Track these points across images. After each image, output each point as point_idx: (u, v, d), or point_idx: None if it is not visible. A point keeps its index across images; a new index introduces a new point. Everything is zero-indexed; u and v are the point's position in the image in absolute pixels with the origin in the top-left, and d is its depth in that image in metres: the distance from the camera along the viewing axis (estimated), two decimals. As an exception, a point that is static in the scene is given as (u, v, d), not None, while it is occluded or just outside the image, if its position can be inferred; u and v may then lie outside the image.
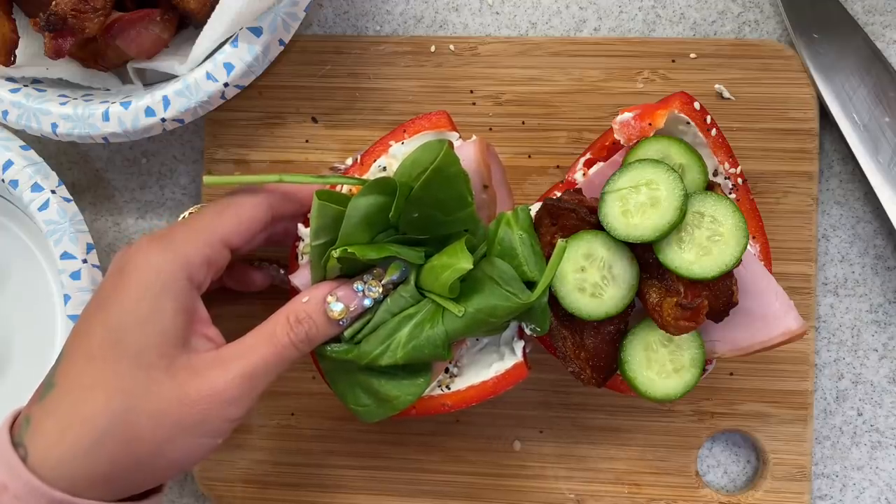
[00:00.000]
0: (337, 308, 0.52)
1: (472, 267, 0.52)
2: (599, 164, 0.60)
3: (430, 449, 0.68)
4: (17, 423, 0.50)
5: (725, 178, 0.59)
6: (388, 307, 0.54)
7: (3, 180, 0.64)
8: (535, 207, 0.58)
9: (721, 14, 0.68)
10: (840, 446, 0.68)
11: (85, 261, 0.64)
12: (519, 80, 0.67)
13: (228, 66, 0.62)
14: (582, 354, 0.56)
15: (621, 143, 0.57)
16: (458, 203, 0.53)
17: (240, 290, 0.65)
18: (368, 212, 0.53)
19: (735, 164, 0.59)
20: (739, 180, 0.59)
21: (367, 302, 0.53)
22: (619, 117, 0.57)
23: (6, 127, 0.66)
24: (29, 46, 0.65)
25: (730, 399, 0.66)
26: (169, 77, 0.65)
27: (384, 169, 0.58)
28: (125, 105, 0.63)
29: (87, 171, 0.73)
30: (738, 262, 0.53)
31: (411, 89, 0.68)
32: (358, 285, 0.53)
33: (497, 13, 0.69)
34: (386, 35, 0.70)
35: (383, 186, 0.52)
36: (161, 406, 0.49)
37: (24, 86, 0.66)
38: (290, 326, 0.52)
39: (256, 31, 0.62)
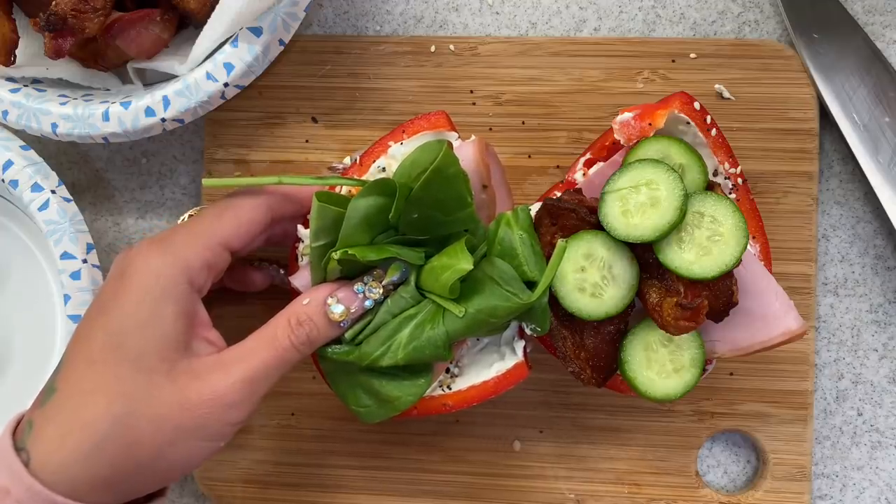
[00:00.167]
0: (338, 310, 0.52)
1: (472, 267, 0.52)
2: (599, 164, 0.60)
3: (430, 449, 0.68)
4: (19, 428, 0.50)
5: (725, 178, 0.59)
6: (389, 308, 0.54)
7: (3, 180, 0.64)
8: (535, 207, 0.58)
9: (721, 14, 0.68)
10: (840, 446, 0.68)
11: (85, 261, 0.64)
12: (519, 80, 0.67)
13: (228, 66, 0.62)
14: (582, 354, 0.56)
15: (621, 143, 0.57)
16: (458, 203, 0.53)
17: (240, 290, 0.65)
18: (368, 213, 0.53)
19: (735, 164, 0.59)
20: (739, 180, 0.59)
21: (367, 303, 0.53)
22: (619, 117, 0.57)
23: (6, 127, 0.66)
24: (29, 46, 0.65)
25: (730, 399, 0.66)
26: (169, 77, 0.65)
27: (383, 170, 0.58)
28: (125, 105, 0.63)
29: (87, 171, 0.73)
30: (738, 262, 0.53)
31: (411, 89, 0.68)
32: (358, 287, 0.53)
33: (497, 13, 0.69)
34: (386, 35, 0.70)
35: (383, 187, 0.52)
36: (162, 410, 0.49)
37: (24, 86, 0.66)
38: (290, 329, 0.52)
39: (256, 31, 0.62)
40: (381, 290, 0.53)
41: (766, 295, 0.56)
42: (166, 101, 0.62)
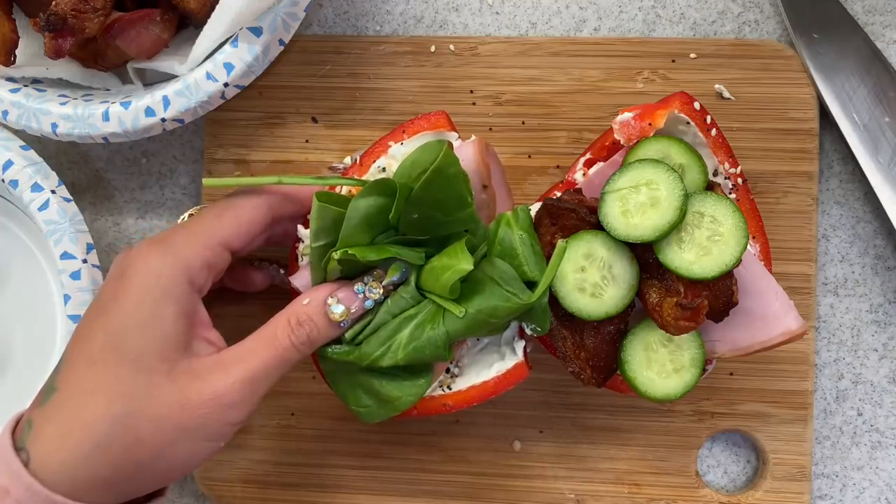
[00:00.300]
0: (338, 310, 0.52)
1: (472, 268, 0.52)
2: (599, 164, 0.60)
3: (430, 449, 0.68)
4: (19, 427, 0.50)
5: (725, 178, 0.59)
6: (389, 308, 0.54)
7: (3, 180, 0.64)
8: (535, 207, 0.58)
9: (721, 14, 0.68)
10: (840, 446, 0.68)
11: (85, 261, 0.64)
12: (519, 80, 0.67)
13: (228, 66, 0.62)
14: (582, 354, 0.56)
15: (621, 143, 0.57)
16: (458, 203, 0.53)
17: (240, 290, 0.65)
18: (368, 213, 0.53)
19: (735, 164, 0.59)
20: (739, 180, 0.59)
21: (367, 303, 0.53)
22: (619, 117, 0.57)
23: (6, 127, 0.66)
24: (29, 46, 0.65)
25: (730, 399, 0.66)
26: (169, 77, 0.65)
27: (383, 170, 0.58)
28: (125, 105, 0.63)
29: (87, 171, 0.73)
30: (738, 262, 0.53)
31: (411, 89, 0.68)
32: (358, 287, 0.53)
33: (497, 13, 0.69)
34: (386, 35, 0.70)
35: (383, 187, 0.52)
36: (162, 410, 0.49)
37: (24, 86, 0.66)
38: (290, 329, 0.52)
39: (256, 31, 0.62)
40: (381, 291, 0.53)
41: (766, 295, 0.56)
42: (166, 101, 0.62)
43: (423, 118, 0.59)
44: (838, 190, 0.68)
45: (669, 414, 0.66)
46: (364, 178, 0.59)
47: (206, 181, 0.57)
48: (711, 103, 0.65)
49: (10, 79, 0.66)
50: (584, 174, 0.60)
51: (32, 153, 0.65)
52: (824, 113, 0.66)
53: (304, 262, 0.59)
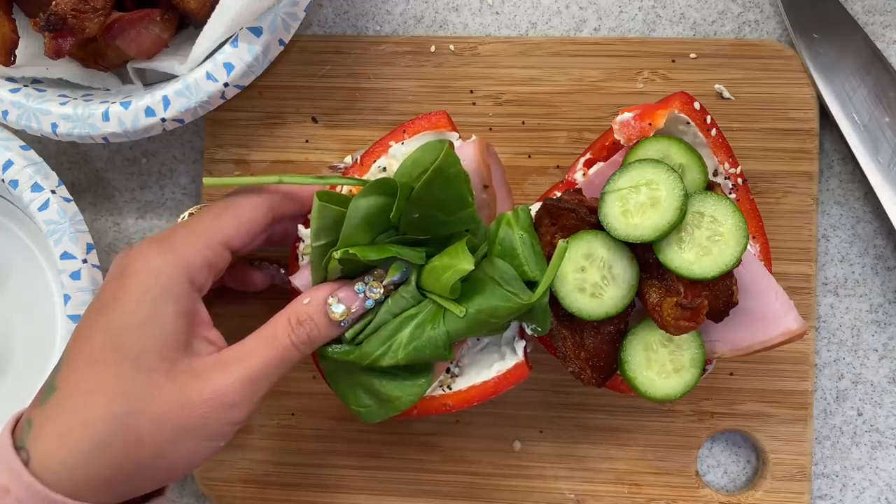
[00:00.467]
0: (338, 309, 0.52)
1: (473, 268, 0.52)
2: (599, 164, 0.60)
3: (430, 449, 0.68)
4: (18, 427, 0.50)
5: (725, 178, 0.59)
6: (390, 308, 0.54)
7: (3, 180, 0.64)
8: (535, 207, 0.58)
9: (721, 14, 0.68)
10: (840, 446, 0.68)
11: (85, 261, 0.64)
12: (519, 80, 0.67)
13: (228, 66, 0.62)
14: (582, 354, 0.56)
15: (621, 143, 0.57)
16: (459, 203, 0.53)
17: (240, 290, 0.65)
18: (369, 212, 0.53)
19: (735, 164, 0.59)
20: (739, 180, 0.59)
21: (368, 303, 0.53)
22: (619, 117, 0.57)
23: (6, 127, 0.66)
24: (29, 46, 0.65)
25: (730, 399, 0.66)
26: (169, 77, 0.65)
27: (384, 169, 0.58)
28: (125, 105, 0.63)
29: (87, 171, 0.73)
30: (738, 262, 0.53)
31: (411, 89, 0.68)
32: (359, 286, 0.53)
33: (497, 13, 0.69)
34: (386, 35, 0.70)
35: (384, 187, 0.52)
36: (162, 410, 0.49)
37: (24, 86, 0.66)
38: (291, 328, 0.52)
39: (256, 31, 0.62)
40: (381, 290, 0.53)
41: (766, 295, 0.56)
42: (166, 101, 0.62)
43: (424, 118, 0.59)
44: (838, 190, 0.68)
45: (669, 414, 0.66)
46: (365, 177, 0.59)
47: (206, 181, 0.57)
48: (711, 103, 0.65)
49: (10, 79, 0.66)
50: (584, 174, 0.60)
51: (32, 153, 0.65)
52: (824, 113, 0.66)
53: (304, 261, 0.59)
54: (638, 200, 0.54)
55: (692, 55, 0.66)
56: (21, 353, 0.70)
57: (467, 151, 0.55)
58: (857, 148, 0.65)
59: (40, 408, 0.50)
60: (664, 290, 0.54)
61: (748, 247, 0.56)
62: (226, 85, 0.62)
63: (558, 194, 0.59)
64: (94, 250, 0.65)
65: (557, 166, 0.67)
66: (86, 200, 0.72)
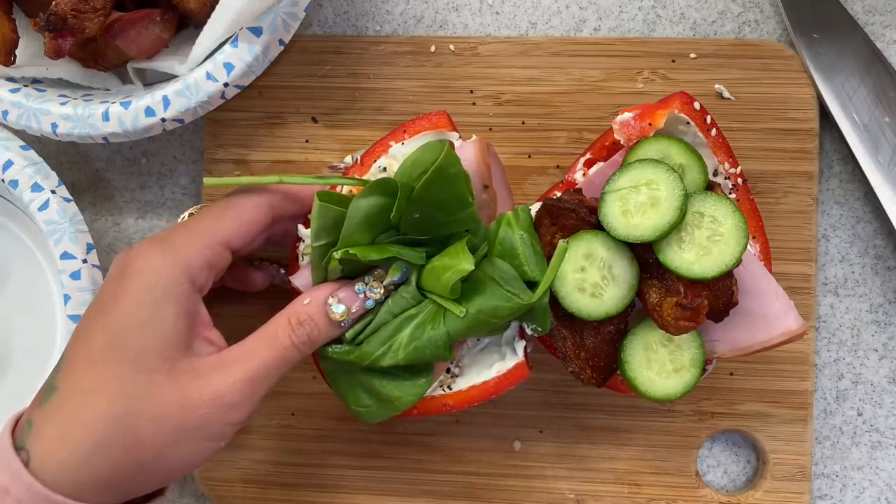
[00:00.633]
0: (338, 309, 0.52)
1: (473, 268, 0.52)
2: (599, 164, 0.60)
3: (430, 449, 0.68)
4: (18, 427, 0.50)
5: (725, 178, 0.59)
6: (390, 308, 0.54)
7: (3, 180, 0.64)
8: (535, 207, 0.58)
9: (721, 14, 0.68)
10: (840, 446, 0.68)
11: (85, 261, 0.64)
12: (519, 80, 0.67)
13: (228, 66, 0.62)
14: (582, 354, 0.56)
15: (621, 143, 0.57)
16: (459, 203, 0.53)
17: (240, 290, 0.65)
18: (369, 212, 0.53)
19: (735, 164, 0.59)
20: (739, 180, 0.59)
21: (368, 303, 0.53)
22: (619, 117, 0.57)
23: (6, 127, 0.66)
24: (29, 46, 0.65)
25: (730, 399, 0.66)
26: (169, 77, 0.65)
27: (384, 169, 0.58)
28: (125, 105, 0.63)
29: (87, 171, 0.73)
30: (738, 262, 0.53)
31: (411, 89, 0.68)
32: (359, 286, 0.53)
33: (497, 13, 0.69)
34: (386, 35, 0.70)
35: (384, 187, 0.52)
36: (163, 410, 0.49)
37: (24, 86, 0.66)
38: (291, 328, 0.52)
39: (256, 31, 0.62)
40: (382, 290, 0.53)
41: (766, 295, 0.56)
42: (166, 101, 0.62)
43: (425, 118, 0.59)
44: (838, 190, 0.68)
45: (669, 414, 0.66)
46: (365, 177, 0.59)
47: (206, 180, 0.57)
48: (711, 103, 0.65)
49: (10, 79, 0.66)
50: (584, 174, 0.60)
51: (32, 153, 0.65)
52: (824, 113, 0.66)
53: (304, 261, 0.59)
54: (638, 200, 0.54)
55: (692, 55, 0.66)
56: (21, 353, 0.70)
57: (468, 151, 0.55)
58: (857, 148, 0.65)
59: (40, 408, 0.50)
60: (664, 290, 0.54)
61: (748, 247, 0.56)
62: (226, 85, 0.62)
63: (558, 194, 0.59)
64: (94, 250, 0.65)
65: (557, 166, 0.67)
66: (86, 200, 0.72)
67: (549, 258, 0.54)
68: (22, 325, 0.70)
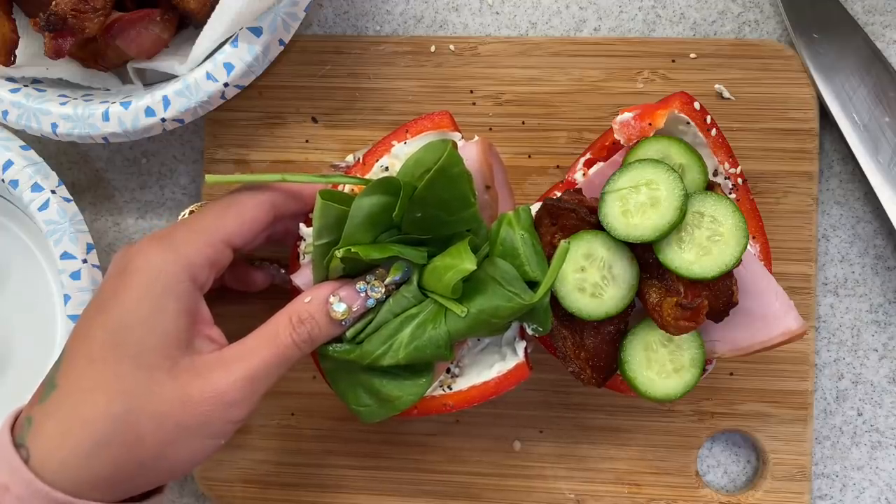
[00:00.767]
0: (340, 308, 0.52)
1: (475, 268, 0.52)
2: (599, 164, 0.60)
3: (430, 449, 0.68)
4: (18, 424, 0.50)
5: (725, 178, 0.59)
6: (391, 307, 0.53)
7: (3, 180, 0.64)
8: (535, 207, 0.58)
9: (721, 14, 0.68)
10: (840, 446, 0.68)
11: (85, 261, 0.64)
12: (519, 80, 0.67)
13: (228, 66, 0.62)
14: (582, 354, 0.56)
15: (621, 143, 0.57)
16: (462, 203, 0.53)
17: (241, 290, 0.65)
18: (372, 211, 0.52)
19: (735, 164, 0.59)
20: (739, 180, 0.59)
21: (369, 302, 0.53)
22: (619, 117, 0.57)
23: (6, 127, 0.66)
24: (29, 46, 0.65)
25: (730, 399, 0.66)
26: (169, 77, 0.65)
27: (386, 169, 0.58)
28: (125, 105, 0.63)
29: (87, 171, 0.73)
30: (738, 262, 0.53)
31: (411, 89, 0.68)
32: (360, 285, 0.53)
33: (497, 13, 0.69)
34: (386, 35, 0.70)
35: (387, 186, 0.52)
36: (163, 407, 0.49)
37: (24, 86, 0.66)
38: (292, 327, 0.52)
39: (256, 31, 0.62)
40: (383, 289, 0.53)
41: (766, 295, 0.56)
42: (166, 101, 0.62)
43: (427, 118, 0.59)
44: (838, 190, 0.68)
45: (669, 414, 0.66)
46: (367, 176, 0.59)
47: (209, 178, 0.56)
48: (711, 103, 0.65)
49: (10, 79, 0.66)
50: (584, 174, 0.60)
51: (32, 153, 0.65)
52: (824, 113, 0.66)
53: (305, 260, 0.59)
54: (638, 200, 0.54)
55: (692, 55, 0.66)
56: (21, 353, 0.70)
57: (470, 151, 0.55)
58: (857, 148, 0.65)
59: (40, 405, 0.49)
60: (664, 290, 0.54)
61: (748, 247, 0.56)
62: (226, 85, 0.62)
63: (558, 194, 0.59)
64: (94, 250, 0.65)
65: (557, 166, 0.67)
66: (86, 200, 0.72)
67: (549, 258, 0.54)
68: (22, 325, 0.70)
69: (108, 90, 0.68)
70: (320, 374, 0.58)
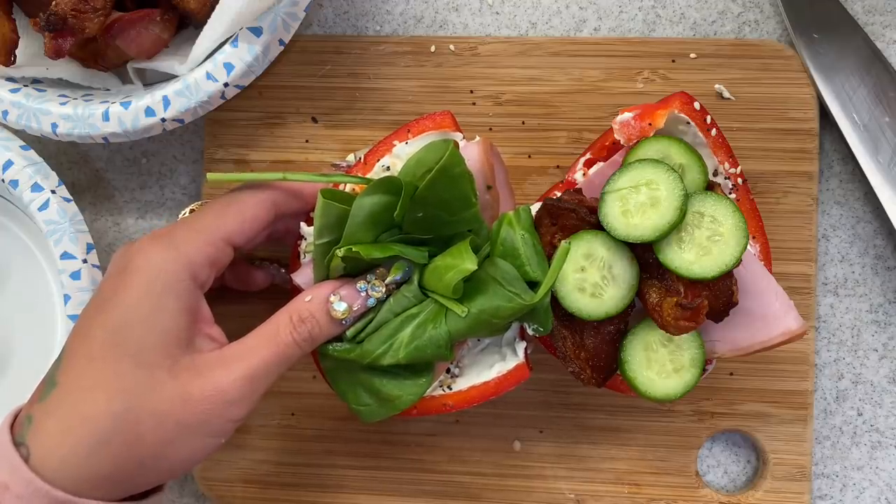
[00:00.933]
0: (340, 307, 0.52)
1: (476, 268, 0.52)
2: (599, 164, 0.60)
3: (430, 449, 0.68)
4: (17, 422, 0.50)
5: (725, 178, 0.59)
6: (391, 307, 0.53)
7: (3, 180, 0.64)
8: (535, 207, 0.58)
9: (721, 14, 0.68)
10: (840, 446, 0.68)
11: (85, 261, 0.64)
12: (519, 80, 0.67)
13: (228, 66, 0.62)
14: (582, 354, 0.56)
15: (621, 143, 0.57)
16: (463, 203, 0.53)
17: (241, 289, 0.65)
18: (373, 211, 0.52)
19: (735, 164, 0.59)
20: (739, 180, 0.59)
21: (370, 301, 0.53)
22: (619, 117, 0.57)
23: (6, 127, 0.66)
24: (29, 46, 0.65)
25: (730, 399, 0.66)
26: (169, 77, 0.65)
27: (388, 168, 0.58)
28: (125, 105, 0.63)
29: (87, 171, 0.73)
30: (738, 262, 0.53)
31: (411, 89, 0.68)
32: (361, 285, 0.53)
33: (497, 13, 0.69)
34: (386, 35, 0.70)
35: (388, 186, 0.52)
36: (163, 406, 0.49)
37: (24, 86, 0.66)
38: (292, 326, 0.52)
39: (256, 31, 0.62)
40: (383, 289, 0.53)
41: (766, 295, 0.56)
42: (166, 101, 0.62)
43: (429, 118, 0.59)
44: (838, 190, 0.68)
45: (669, 414, 0.67)
46: (368, 176, 0.59)
47: (210, 176, 0.56)
48: (711, 103, 0.65)
49: (10, 79, 0.66)
50: (584, 174, 0.60)
51: (32, 153, 0.65)
52: (824, 113, 0.66)
53: (306, 259, 0.59)
54: (638, 200, 0.54)
55: (692, 55, 0.66)
56: (21, 353, 0.70)
57: (472, 152, 0.55)
58: (857, 148, 0.65)
59: (40, 403, 0.49)
60: (664, 290, 0.54)
61: (748, 247, 0.56)
62: (226, 85, 0.62)
63: (558, 194, 0.59)
64: (94, 250, 0.65)
65: (557, 166, 0.67)
66: (86, 200, 0.72)
67: (549, 258, 0.54)
68: (22, 325, 0.70)
69: (108, 90, 0.68)
70: (320, 374, 0.58)
